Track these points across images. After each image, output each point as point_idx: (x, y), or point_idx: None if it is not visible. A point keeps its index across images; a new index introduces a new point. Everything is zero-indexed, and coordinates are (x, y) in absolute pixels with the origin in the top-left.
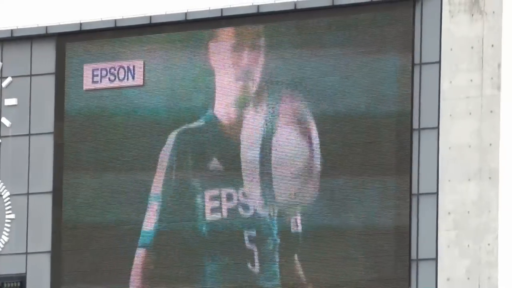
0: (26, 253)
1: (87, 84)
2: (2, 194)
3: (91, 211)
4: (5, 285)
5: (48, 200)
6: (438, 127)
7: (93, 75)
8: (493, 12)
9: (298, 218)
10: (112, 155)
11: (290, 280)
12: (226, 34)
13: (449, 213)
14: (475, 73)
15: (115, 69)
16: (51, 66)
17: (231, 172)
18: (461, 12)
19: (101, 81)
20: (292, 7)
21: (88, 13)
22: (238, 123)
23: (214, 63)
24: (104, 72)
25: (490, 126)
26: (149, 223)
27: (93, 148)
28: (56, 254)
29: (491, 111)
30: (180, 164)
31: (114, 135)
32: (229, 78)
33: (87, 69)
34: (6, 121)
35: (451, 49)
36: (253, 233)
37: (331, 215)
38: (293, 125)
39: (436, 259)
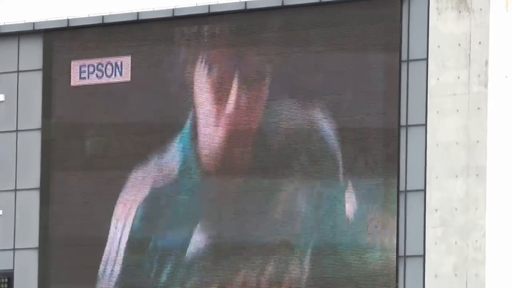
0: (14, 249)
1: (75, 80)
2: None
3: (78, 207)
4: None
5: (35, 196)
6: (425, 124)
7: (81, 71)
8: (480, 9)
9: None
10: (99, 152)
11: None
12: (213, 31)
13: (436, 210)
14: (462, 70)
15: (102, 65)
16: (38, 62)
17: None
18: (448, 9)
19: (88, 77)
20: (279, 3)
21: (75, 9)
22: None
23: (199, 61)
24: (91, 68)
25: (478, 123)
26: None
27: (80, 145)
28: (44, 251)
29: (478, 108)
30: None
31: (101, 132)
32: (209, 78)
33: (75, 65)
34: None
35: (438, 46)
36: None
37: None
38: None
39: (423, 256)
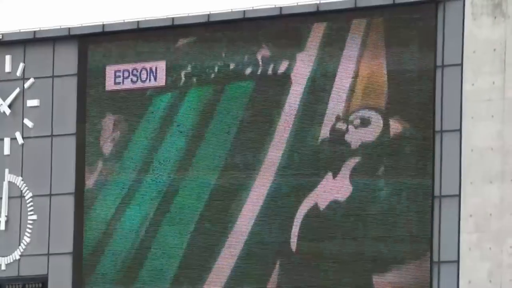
0: (48, 254)
1: (109, 85)
2: (25, 195)
3: (113, 212)
4: (27, 286)
5: (70, 201)
6: (460, 130)
7: (115, 76)
8: None
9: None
10: (134, 156)
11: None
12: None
13: (471, 215)
14: (497, 75)
15: (137, 70)
16: (73, 68)
17: None
18: (483, 15)
19: (123, 82)
20: (315, 9)
21: (110, 14)
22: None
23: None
24: (126, 74)
25: None
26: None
27: (115, 149)
28: (78, 255)
29: None
30: None
31: (137, 136)
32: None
33: (109, 70)
34: (28, 122)
35: (474, 52)
36: None
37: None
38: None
39: (458, 261)
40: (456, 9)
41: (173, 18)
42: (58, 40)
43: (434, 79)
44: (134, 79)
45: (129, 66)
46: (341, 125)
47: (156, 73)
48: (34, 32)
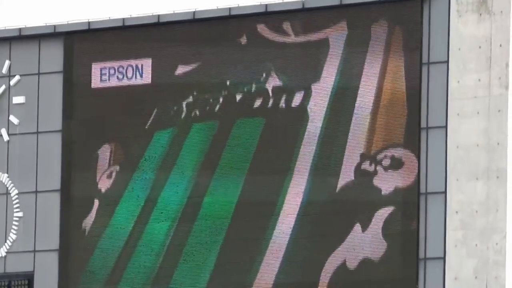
0: (34, 251)
1: (95, 82)
2: (11, 192)
3: (99, 209)
4: (13, 283)
5: (56, 198)
6: (446, 127)
7: (101, 74)
8: (501, 11)
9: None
10: (120, 154)
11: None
12: (233, 32)
13: (456, 212)
14: (483, 72)
15: (123, 68)
16: (59, 65)
17: None
18: (469, 12)
19: (109, 79)
20: (300, 6)
21: (96, 11)
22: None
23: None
24: (112, 71)
25: (498, 125)
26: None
27: (101, 147)
28: (64, 252)
29: (499, 111)
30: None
31: (122, 134)
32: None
33: (95, 68)
34: (14, 119)
35: (459, 49)
36: None
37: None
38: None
39: (444, 258)
40: (441, 6)
41: (158, 16)
42: (44, 38)
43: (420, 76)
44: (120, 76)
45: (115, 64)
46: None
47: (142, 71)
48: (20, 29)
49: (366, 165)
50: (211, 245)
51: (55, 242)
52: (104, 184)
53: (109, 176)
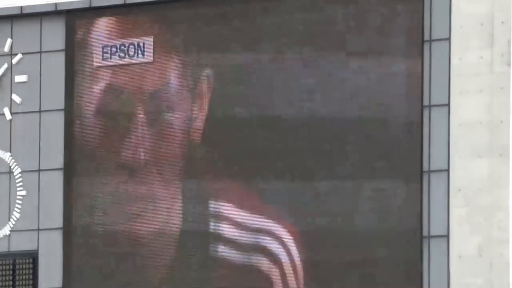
0: (38, 229)
1: (97, 60)
2: (13, 171)
3: (102, 187)
4: (17, 261)
5: (59, 176)
6: (448, 104)
7: (103, 52)
8: None
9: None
10: (122, 132)
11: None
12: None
13: (459, 190)
14: (485, 50)
15: (125, 46)
16: (61, 43)
17: None
18: None
19: (111, 58)
20: None
21: None
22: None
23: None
24: (114, 49)
25: (501, 102)
26: None
27: (103, 125)
28: (68, 230)
29: (502, 88)
30: None
31: (125, 112)
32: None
33: (97, 46)
34: (16, 98)
35: (461, 26)
36: None
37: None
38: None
39: (447, 236)
40: None
41: None
42: (45, 16)
43: (422, 54)
44: (122, 54)
45: (117, 42)
46: None
47: (144, 49)
48: (21, 7)
49: None
50: None
51: (59, 220)
52: None
53: None
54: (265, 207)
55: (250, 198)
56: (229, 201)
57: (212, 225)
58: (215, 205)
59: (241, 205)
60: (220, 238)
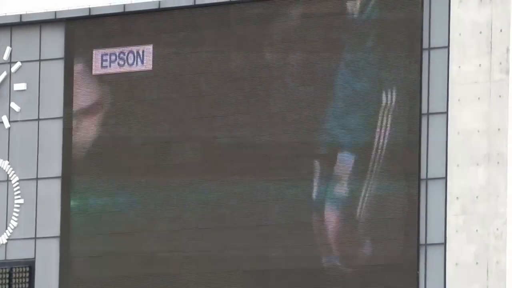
0: (35, 238)
1: (96, 69)
2: (11, 179)
3: (100, 196)
4: (14, 270)
5: (57, 185)
6: (447, 112)
7: (102, 60)
8: None
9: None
10: (120, 140)
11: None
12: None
13: (457, 198)
14: (483, 58)
15: (124, 54)
16: (60, 51)
17: None
18: None
19: (110, 66)
20: None
21: None
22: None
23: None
24: (113, 57)
25: (499, 111)
26: None
27: (101, 133)
28: (65, 239)
29: (500, 96)
30: None
31: (123, 120)
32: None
33: (96, 54)
34: (15, 106)
35: (460, 34)
36: None
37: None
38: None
39: (444, 244)
40: None
41: (159, 1)
42: (45, 24)
43: (421, 62)
44: (121, 62)
45: (116, 50)
46: None
47: (143, 57)
48: (20, 15)
49: None
50: None
51: (56, 229)
52: None
53: None
54: None
55: None
56: None
57: None
58: None
59: None
60: None
